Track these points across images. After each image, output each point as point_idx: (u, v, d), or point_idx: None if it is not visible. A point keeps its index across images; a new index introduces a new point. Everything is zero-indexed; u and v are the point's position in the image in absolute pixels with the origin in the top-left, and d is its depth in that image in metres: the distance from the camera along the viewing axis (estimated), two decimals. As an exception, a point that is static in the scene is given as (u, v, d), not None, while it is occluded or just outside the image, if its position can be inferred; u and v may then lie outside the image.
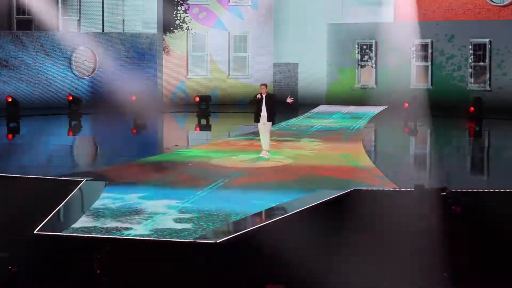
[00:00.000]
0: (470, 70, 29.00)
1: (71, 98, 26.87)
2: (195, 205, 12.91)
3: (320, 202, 12.95)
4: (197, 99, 27.99)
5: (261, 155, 17.89)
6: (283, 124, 24.73)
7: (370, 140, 22.63)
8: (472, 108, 25.90)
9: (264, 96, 17.59)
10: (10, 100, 25.80)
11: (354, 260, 9.93)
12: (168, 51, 31.15)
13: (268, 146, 17.87)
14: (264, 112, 17.56)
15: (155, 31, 30.99)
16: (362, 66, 30.97)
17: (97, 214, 12.28)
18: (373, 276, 9.49)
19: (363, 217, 11.77)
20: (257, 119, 17.69)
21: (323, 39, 31.25)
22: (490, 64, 28.68)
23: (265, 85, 17.88)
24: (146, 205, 12.95)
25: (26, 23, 28.87)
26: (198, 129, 25.55)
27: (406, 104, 25.75)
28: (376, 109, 28.67)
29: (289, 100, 17.96)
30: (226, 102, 30.91)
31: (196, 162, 17.61)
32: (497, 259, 10.65)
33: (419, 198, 11.30)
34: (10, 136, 23.37)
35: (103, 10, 30.02)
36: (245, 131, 23.21)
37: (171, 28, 31.15)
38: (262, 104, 17.55)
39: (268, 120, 17.61)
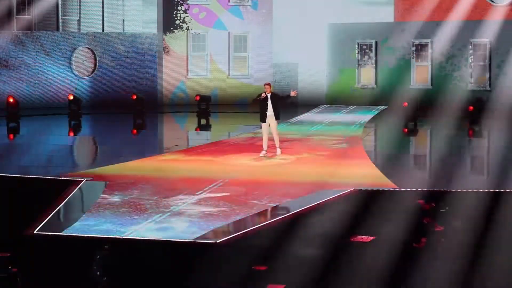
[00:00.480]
0: (470, 70, 29.00)
1: (72, 97, 26.87)
2: (195, 205, 12.92)
3: (320, 202, 12.96)
4: (198, 97, 28.01)
5: (261, 155, 17.91)
6: (282, 124, 24.71)
7: (370, 140, 22.64)
8: (471, 108, 25.90)
9: (269, 95, 17.61)
10: (10, 100, 25.80)
11: (355, 260, 9.94)
12: (168, 51, 31.15)
13: (278, 143, 18.00)
14: (270, 112, 17.60)
15: (155, 31, 31.01)
16: (362, 66, 30.97)
17: (97, 214, 12.29)
18: (373, 276, 9.49)
19: (363, 217, 11.77)
20: (263, 119, 17.71)
21: (323, 39, 31.27)
22: (490, 64, 28.68)
23: (269, 84, 17.86)
24: (146, 205, 12.95)
25: (26, 23, 28.88)
26: (198, 129, 25.55)
27: (405, 104, 25.75)
28: (376, 109, 28.67)
29: (293, 93, 18.03)
30: (226, 102, 30.91)
31: (196, 162, 17.64)
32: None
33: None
34: (11, 136, 23.36)
35: (103, 10, 30.03)
36: (245, 131, 23.21)
37: (171, 28, 31.15)
38: (267, 103, 17.57)
39: (275, 119, 17.70)
